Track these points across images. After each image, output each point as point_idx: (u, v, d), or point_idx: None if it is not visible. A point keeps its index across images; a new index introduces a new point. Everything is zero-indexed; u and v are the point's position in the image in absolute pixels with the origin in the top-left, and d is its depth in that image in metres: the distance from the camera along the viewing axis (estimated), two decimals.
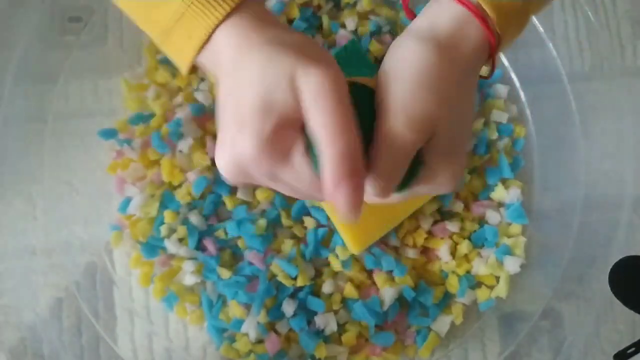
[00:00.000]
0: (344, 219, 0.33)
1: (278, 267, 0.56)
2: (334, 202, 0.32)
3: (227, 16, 0.34)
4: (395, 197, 0.39)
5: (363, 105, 0.35)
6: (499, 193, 0.59)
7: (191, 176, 0.58)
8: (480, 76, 0.41)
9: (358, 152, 0.32)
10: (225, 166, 0.34)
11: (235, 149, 0.33)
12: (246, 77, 0.33)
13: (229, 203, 0.58)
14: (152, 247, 0.58)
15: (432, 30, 0.36)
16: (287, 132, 0.33)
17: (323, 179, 0.32)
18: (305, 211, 0.58)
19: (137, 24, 0.38)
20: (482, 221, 0.60)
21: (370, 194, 0.35)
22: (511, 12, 0.37)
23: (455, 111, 0.36)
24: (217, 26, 0.34)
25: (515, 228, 0.59)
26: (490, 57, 0.38)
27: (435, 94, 0.35)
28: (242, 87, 0.33)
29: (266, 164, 0.33)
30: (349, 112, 0.32)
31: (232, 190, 0.59)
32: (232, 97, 0.34)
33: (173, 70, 0.60)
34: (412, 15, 0.40)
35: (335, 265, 0.57)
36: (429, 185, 0.38)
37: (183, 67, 0.37)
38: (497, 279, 0.58)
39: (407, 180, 0.37)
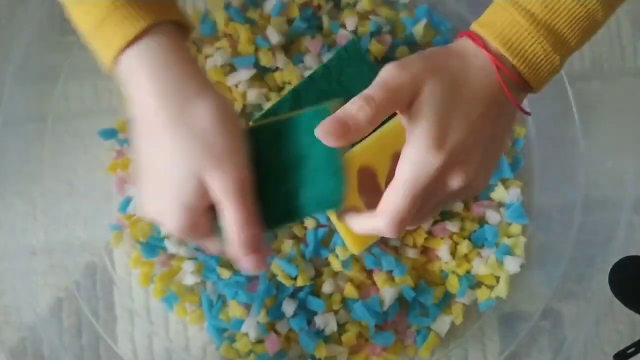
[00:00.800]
0: (249, 272, 0.41)
1: (278, 267, 0.56)
2: (241, 266, 0.38)
3: (142, 35, 0.36)
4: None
5: (266, 144, 0.38)
6: (499, 193, 0.59)
7: None
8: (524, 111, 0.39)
9: (257, 236, 0.37)
10: (148, 212, 0.39)
11: (161, 220, 0.38)
12: (161, 163, 0.37)
13: None
14: (152, 247, 0.58)
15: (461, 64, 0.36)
16: (203, 220, 0.37)
17: (231, 252, 0.38)
18: None
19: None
20: (482, 221, 0.60)
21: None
22: (546, 69, 0.36)
23: (472, 145, 0.35)
24: (131, 43, 0.36)
25: (515, 228, 0.59)
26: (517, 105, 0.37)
27: (425, 57, 0.36)
28: (159, 171, 0.37)
29: (190, 240, 0.40)
30: (249, 204, 0.37)
31: None
32: (153, 171, 0.37)
33: None
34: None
35: (335, 265, 0.57)
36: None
37: (105, 68, 0.38)
38: (497, 279, 0.58)
39: None
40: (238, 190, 0.36)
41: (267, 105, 0.58)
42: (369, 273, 0.58)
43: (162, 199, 0.37)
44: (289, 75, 0.59)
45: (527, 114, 0.38)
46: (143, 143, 0.37)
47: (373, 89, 0.34)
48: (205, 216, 0.37)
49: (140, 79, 0.36)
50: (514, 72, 0.35)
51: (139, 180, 0.39)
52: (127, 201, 0.59)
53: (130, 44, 0.36)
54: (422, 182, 0.34)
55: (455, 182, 0.35)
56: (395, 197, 0.34)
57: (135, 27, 0.35)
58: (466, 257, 0.59)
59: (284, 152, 0.38)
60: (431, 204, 0.36)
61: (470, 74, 0.35)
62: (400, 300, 0.57)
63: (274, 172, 0.38)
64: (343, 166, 0.37)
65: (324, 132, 0.34)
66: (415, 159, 0.34)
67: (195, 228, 0.37)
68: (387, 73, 0.34)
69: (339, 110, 0.35)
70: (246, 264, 0.37)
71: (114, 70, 0.37)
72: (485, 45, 0.35)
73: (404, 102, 0.35)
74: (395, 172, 0.35)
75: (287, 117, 0.38)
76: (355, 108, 0.34)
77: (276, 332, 0.57)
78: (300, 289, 0.57)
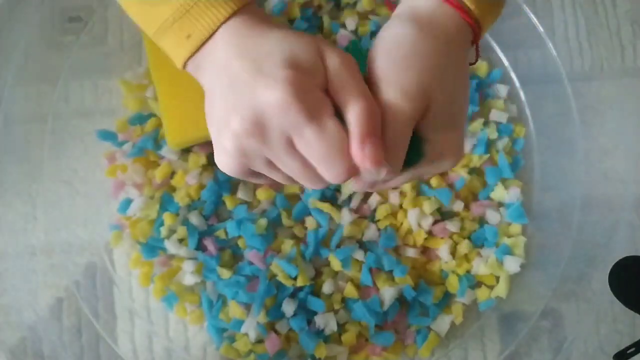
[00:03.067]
0: (363, 184, 0.36)
1: (278, 267, 0.56)
2: (360, 160, 0.33)
3: (229, 17, 0.34)
4: (400, 179, 0.40)
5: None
6: (499, 193, 0.59)
7: (190, 179, 0.58)
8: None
9: (378, 115, 0.34)
10: (241, 124, 0.33)
11: (259, 100, 0.32)
12: (263, 42, 0.33)
13: (229, 203, 0.58)
14: (152, 247, 0.58)
15: (411, 14, 0.37)
16: (313, 90, 0.33)
17: (351, 138, 0.33)
18: (306, 211, 0.58)
19: (133, 18, 0.38)
20: (482, 221, 0.60)
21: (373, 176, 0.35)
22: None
23: (447, 82, 0.36)
24: (218, 27, 0.34)
25: (515, 228, 0.59)
26: (474, 42, 0.39)
27: (423, 65, 0.35)
28: (259, 48, 0.33)
29: (295, 114, 0.32)
30: (366, 86, 0.34)
31: (233, 190, 0.59)
32: (243, 59, 0.33)
33: None
34: (392, 8, 0.41)
35: (335, 265, 0.57)
36: (434, 163, 0.38)
37: (178, 63, 0.37)
38: (497, 278, 0.58)
39: (413, 159, 0.37)
40: (355, 66, 0.34)
41: None
42: (369, 273, 0.58)
43: (265, 65, 0.33)
44: None
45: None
46: (230, 59, 0.34)
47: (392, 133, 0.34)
48: (315, 93, 0.33)
49: (229, 50, 0.34)
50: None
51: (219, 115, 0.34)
52: (127, 202, 0.59)
53: (222, 24, 0.34)
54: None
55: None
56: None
57: (226, 10, 0.34)
58: (466, 257, 0.59)
59: None
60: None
61: (453, 57, 0.37)
62: (400, 300, 0.57)
63: None
64: None
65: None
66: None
67: (308, 92, 0.32)
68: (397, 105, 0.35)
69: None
70: (368, 153, 0.33)
71: (193, 57, 0.35)
72: None
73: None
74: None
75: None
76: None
77: (276, 332, 0.57)
78: (300, 288, 0.57)
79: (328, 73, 0.34)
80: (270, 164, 0.35)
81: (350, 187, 0.58)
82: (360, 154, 0.33)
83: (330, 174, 0.34)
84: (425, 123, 0.36)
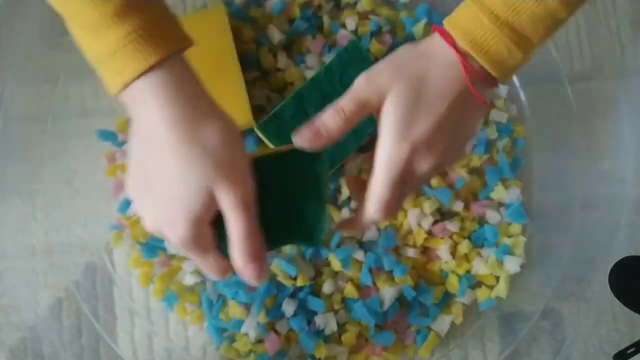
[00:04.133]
0: (251, 283, 0.40)
1: (278, 267, 0.56)
2: (242, 277, 0.39)
3: (158, 64, 0.37)
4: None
5: (272, 174, 0.41)
6: (499, 193, 0.59)
7: None
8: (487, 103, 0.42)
9: (259, 246, 0.39)
10: (149, 226, 0.39)
11: (164, 229, 0.38)
12: (168, 179, 0.37)
13: None
14: (152, 247, 0.58)
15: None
16: (207, 229, 0.39)
17: (233, 261, 0.39)
18: None
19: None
20: (482, 221, 0.60)
21: None
22: (512, 63, 0.39)
23: (416, 91, 0.39)
24: (147, 71, 0.37)
25: (515, 228, 0.59)
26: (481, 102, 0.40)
27: (393, 65, 0.40)
28: (165, 186, 0.38)
29: (186, 252, 0.39)
30: (253, 217, 0.39)
31: None
32: (157, 186, 0.38)
33: None
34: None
35: (335, 265, 0.57)
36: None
37: (111, 93, 0.39)
38: (497, 278, 0.58)
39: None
40: (244, 203, 0.38)
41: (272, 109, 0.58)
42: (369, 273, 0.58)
43: (169, 212, 0.38)
44: (291, 76, 0.60)
45: (490, 105, 0.43)
46: (149, 161, 0.38)
47: (344, 101, 0.40)
48: (209, 229, 0.39)
49: (152, 104, 0.37)
50: (480, 69, 0.39)
51: (138, 195, 0.40)
52: (127, 202, 0.59)
53: (141, 74, 0.37)
54: (396, 169, 0.38)
55: (424, 166, 0.39)
56: (376, 186, 0.39)
57: (148, 61, 0.36)
58: (466, 257, 0.59)
59: (281, 182, 0.42)
60: (408, 186, 0.40)
61: (438, 73, 0.39)
62: (400, 300, 0.57)
63: (273, 198, 0.41)
64: (327, 208, 0.42)
65: (299, 139, 0.40)
66: (385, 151, 0.39)
67: (199, 238, 0.38)
68: (358, 85, 0.40)
69: (315, 119, 0.40)
70: (248, 272, 0.39)
71: (119, 95, 0.38)
72: (454, 43, 0.39)
73: (371, 109, 0.40)
74: (373, 166, 0.39)
75: (283, 151, 0.42)
76: (327, 117, 0.40)
77: (276, 332, 0.57)
78: (300, 288, 0.57)
79: (221, 211, 0.38)
80: None
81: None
82: (242, 273, 0.39)
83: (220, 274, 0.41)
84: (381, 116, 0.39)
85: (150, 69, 0.37)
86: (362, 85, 0.39)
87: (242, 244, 0.38)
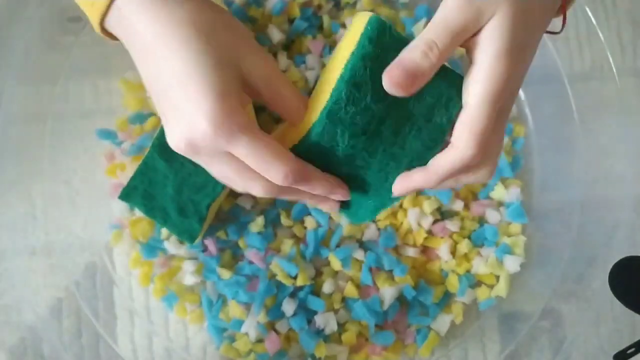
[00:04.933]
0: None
1: (278, 267, 0.56)
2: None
3: None
4: (433, 177, 0.37)
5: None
6: (499, 192, 0.59)
7: None
8: (551, 32, 0.39)
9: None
10: (177, 143, 0.35)
11: (189, 127, 0.34)
12: (182, 61, 0.33)
13: (225, 204, 0.58)
14: (152, 247, 0.58)
15: None
16: (238, 108, 0.34)
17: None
18: (305, 211, 0.58)
19: None
20: (482, 220, 0.60)
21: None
22: None
23: (522, 16, 0.34)
24: None
25: (515, 227, 0.59)
26: (562, 8, 0.37)
27: None
28: (182, 70, 0.33)
29: (223, 140, 0.34)
30: (295, 90, 0.36)
31: (231, 191, 0.59)
32: (174, 79, 0.34)
33: None
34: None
35: (335, 264, 0.57)
36: (472, 170, 0.37)
37: (95, 28, 0.37)
38: (497, 278, 0.58)
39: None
40: (279, 73, 0.35)
41: None
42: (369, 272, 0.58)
43: (191, 93, 0.33)
44: (292, 77, 0.60)
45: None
46: (159, 70, 0.34)
47: (435, 32, 0.33)
48: (242, 109, 0.34)
49: (135, 18, 0.34)
50: None
51: (162, 114, 0.36)
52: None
53: None
54: (500, 88, 0.34)
55: (519, 82, 0.36)
56: (476, 112, 0.34)
57: None
58: (466, 257, 0.59)
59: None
60: (504, 114, 0.36)
61: None
62: (400, 299, 0.57)
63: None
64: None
65: (392, 84, 0.34)
66: (489, 73, 0.33)
67: (235, 115, 0.33)
68: (450, 10, 0.33)
69: (403, 59, 0.34)
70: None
71: (107, 27, 0.36)
72: None
73: (467, 38, 0.34)
74: (464, 100, 0.35)
75: None
76: (419, 56, 0.33)
77: (276, 331, 0.57)
78: (300, 288, 0.57)
79: (257, 88, 0.35)
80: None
81: None
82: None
83: (252, 183, 0.37)
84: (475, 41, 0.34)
85: None
86: (457, 9, 0.33)
87: (291, 113, 0.35)
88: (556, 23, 0.40)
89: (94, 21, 0.36)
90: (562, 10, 0.37)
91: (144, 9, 0.33)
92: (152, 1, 0.33)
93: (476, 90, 0.34)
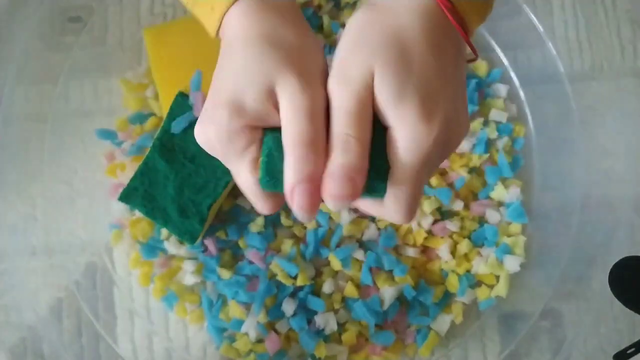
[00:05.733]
0: (301, 219, 0.33)
1: (278, 266, 0.56)
2: (290, 204, 0.33)
3: None
4: (368, 204, 0.36)
5: None
6: (499, 192, 0.59)
7: None
8: (469, 60, 0.38)
9: (315, 166, 0.32)
10: (197, 135, 0.35)
11: (205, 127, 0.34)
12: (230, 68, 0.34)
13: (225, 204, 0.58)
14: (152, 248, 0.58)
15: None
16: (250, 130, 0.34)
17: (285, 179, 0.33)
18: None
19: None
20: (482, 220, 0.60)
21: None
22: None
23: (396, 61, 0.33)
24: (232, 4, 0.35)
25: (515, 227, 0.59)
26: (463, 36, 0.35)
27: (365, 44, 0.33)
28: (226, 75, 0.35)
29: (221, 152, 0.35)
30: (319, 131, 0.32)
31: (231, 191, 0.59)
32: (218, 80, 0.35)
33: None
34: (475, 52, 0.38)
35: (335, 264, 0.57)
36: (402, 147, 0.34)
37: (210, 32, 0.38)
38: (497, 278, 0.58)
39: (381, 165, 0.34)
40: (309, 108, 0.32)
41: None
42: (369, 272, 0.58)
43: (219, 98, 0.34)
44: None
45: (474, 51, 0.36)
46: (221, 66, 0.36)
47: (344, 123, 0.32)
48: (252, 134, 0.34)
49: (238, 26, 0.36)
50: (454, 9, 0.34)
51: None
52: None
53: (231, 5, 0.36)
54: (423, 152, 0.32)
55: (446, 136, 0.33)
56: (402, 182, 0.33)
57: None
58: (466, 257, 0.59)
59: None
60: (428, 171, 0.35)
61: (414, 26, 0.33)
62: (400, 299, 0.57)
63: None
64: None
65: (336, 199, 0.32)
66: (408, 138, 0.32)
67: (236, 135, 0.33)
68: (340, 95, 0.33)
69: (332, 168, 0.32)
70: (297, 198, 0.32)
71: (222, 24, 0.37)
72: None
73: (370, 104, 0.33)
74: (391, 163, 0.33)
75: None
76: (342, 156, 0.32)
77: (276, 331, 0.57)
78: (301, 288, 0.57)
79: (280, 114, 0.33)
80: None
81: None
82: (288, 198, 0.33)
83: (255, 206, 0.36)
84: (377, 100, 0.33)
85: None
86: (342, 90, 0.33)
87: (298, 152, 0.32)
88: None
89: (212, 26, 0.37)
90: (466, 39, 0.35)
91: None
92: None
93: (397, 156, 0.33)
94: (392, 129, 0.33)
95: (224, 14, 0.36)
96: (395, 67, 0.32)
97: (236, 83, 0.34)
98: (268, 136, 0.34)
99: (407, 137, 0.32)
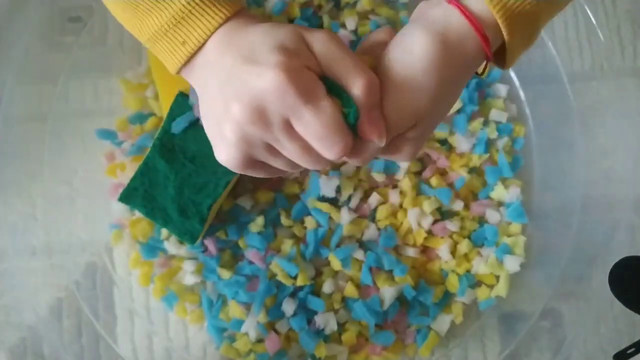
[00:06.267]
0: (367, 157, 0.36)
1: (278, 266, 0.56)
2: (365, 134, 0.35)
3: (223, 24, 0.35)
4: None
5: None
6: (499, 192, 0.59)
7: None
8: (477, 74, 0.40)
9: (378, 87, 0.35)
10: (241, 112, 0.33)
11: (256, 87, 0.33)
12: (250, 36, 0.34)
13: (225, 204, 0.58)
14: (152, 248, 0.58)
15: (443, 28, 0.36)
16: (304, 72, 0.33)
17: (362, 109, 0.34)
18: (305, 211, 0.58)
19: (124, 25, 0.38)
20: (482, 220, 0.60)
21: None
22: (520, 22, 0.36)
23: (440, 106, 0.37)
24: (212, 33, 0.35)
25: (515, 227, 0.59)
26: (487, 60, 0.38)
27: (428, 90, 0.36)
28: (247, 43, 0.34)
29: (291, 96, 0.33)
30: (358, 58, 0.35)
31: (231, 191, 0.59)
32: (234, 53, 0.34)
33: None
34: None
35: (335, 264, 0.57)
36: (388, 156, 0.40)
37: (172, 69, 0.38)
38: (497, 278, 0.58)
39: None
40: (340, 41, 0.35)
41: None
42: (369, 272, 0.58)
43: (256, 55, 0.33)
44: None
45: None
46: (221, 54, 0.35)
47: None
48: (308, 74, 0.34)
49: (220, 49, 0.35)
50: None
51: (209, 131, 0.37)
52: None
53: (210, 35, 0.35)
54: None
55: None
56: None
57: (220, 17, 0.35)
58: (466, 257, 0.59)
59: None
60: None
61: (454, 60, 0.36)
62: (400, 299, 0.57)
63: None
64: None
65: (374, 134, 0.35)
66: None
67: (301, 74, 0.33)
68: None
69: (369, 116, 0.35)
70: (374, 124, 0.35)
71: (188, 64, 0.37)
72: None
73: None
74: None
75: None
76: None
77: (276, 331, 0.57)
78: (301, 288, 0.57)
79: (316, 55, 0.34)
80: (272, 149, 0.35)
81: (349, 187, 0.58)
82: (365, 128, 0.35)
83: (329, 151, 0.34)
84: (402, 135, 0.37)
85: (223, 23, 0.35)
86: (396, 121, 0.36)
87: (362, 78, 0.34)
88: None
89: (177, 61, 0.37)
90: (487, 55, 0.37)
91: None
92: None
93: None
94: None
95: (203, 45, 0.35)
96: (430, 123, 0.38)
97: (269, 39, 0.34)
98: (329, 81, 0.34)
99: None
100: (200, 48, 0.36)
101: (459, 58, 0.36)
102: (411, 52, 0.36)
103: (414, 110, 0.36)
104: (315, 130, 0.34)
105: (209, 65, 0.36)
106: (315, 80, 0.34)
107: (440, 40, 0.35)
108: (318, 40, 0.35)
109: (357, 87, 0.34)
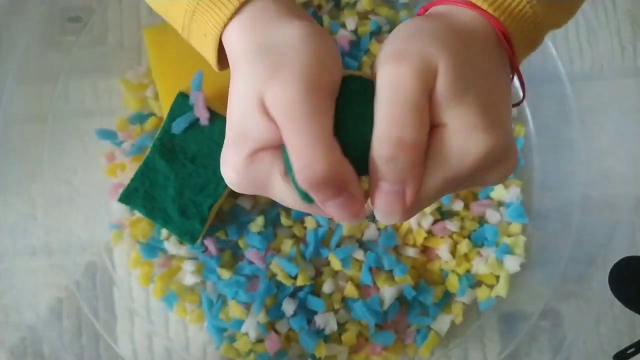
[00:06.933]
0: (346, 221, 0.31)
1: (278, 266, 0.56)
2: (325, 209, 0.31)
3: (236, 13, 0.32)
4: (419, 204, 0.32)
5: (361, 96, 0.31)
6: (499, 192, 0.59)
7: None
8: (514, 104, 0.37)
9: (338, 168, 0.29)
10: (226, 179, 0.33)
11: (224, 171, 0.33)
12: (231, 99, 0.32)
13: (225, 204, 0.58)
14: (152, 248, 0.58)
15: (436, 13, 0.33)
16: (264, 154, 0.31)
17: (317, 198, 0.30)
18: None
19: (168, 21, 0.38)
20: (482, 220, 0.60)
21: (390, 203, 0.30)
22: (521, 26, 0.33)
23: (462, 60, 0.30)
24: (226, 24, 0.33)
25: (515, 227, 0.59)
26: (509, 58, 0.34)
27: (428, 36, 0.30)
28: (230, 104, 0.32)
29: (250, 189, 0.32)
30: (324, 128, 0.29)
31: (231, 191, 0.59)
32: (227, 111, 0.33)
33: None
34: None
35: (335, 264, 0.57)
36: (486, 169, 0.31)
37: (212, 64, 0.36)
38: (497, 278, 0.58)
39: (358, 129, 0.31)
40: (303, 103, 0.28)
41: None
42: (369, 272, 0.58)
43: (227, 135, 0.31)
44: None
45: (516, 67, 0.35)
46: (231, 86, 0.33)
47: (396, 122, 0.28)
48: (266, 155, 0.30)
49: (240, 40, 0.32)
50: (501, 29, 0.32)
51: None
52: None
53: (224, 26, 0.33)
54: (468, 163, 0.29)
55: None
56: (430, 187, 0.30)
57: (228, 8, 0.32)
58: (466, 257, 0.59)
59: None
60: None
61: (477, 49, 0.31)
62: (400, 299, 0.57)
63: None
64: None
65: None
66: (459, 141, 0.29)
67: (254, 169, 0.31)
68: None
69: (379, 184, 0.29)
70: (333, 212, 0.29)
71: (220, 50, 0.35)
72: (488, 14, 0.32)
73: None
74: (429, 162, 0.30)
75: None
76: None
77: (276, 331, 0.57)
78: (300, 288, 0.57)
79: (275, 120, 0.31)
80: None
81: None
82: (325, 214, 0.31)
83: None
84: (434, 101, 0.29)
85: (234, 14, 0.32)
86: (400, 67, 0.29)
87: (301, 167, 0.28)
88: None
89: (210, 55, 0.35)
90: (516, 70, 0.34)
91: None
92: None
93: (440, 163, 0.29)
94: (443, 128, 0.29)
95: (220, 36, 0.33)
96: (462, 61, 0.30)
97: (234, 117, 0.31)
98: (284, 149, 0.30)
99: (458, 139, 0.29)
100: (222, 38, 0.33)
101: (457, 25, 0.32)
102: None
103: (414, 50, 0.30)
104: (291, 203, 0.32)
105: (232, 63, 0.33)
106: (271, 161, 0.30)
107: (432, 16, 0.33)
108: (276, 108, 0.29)
109: (301, 180, 0.29)
